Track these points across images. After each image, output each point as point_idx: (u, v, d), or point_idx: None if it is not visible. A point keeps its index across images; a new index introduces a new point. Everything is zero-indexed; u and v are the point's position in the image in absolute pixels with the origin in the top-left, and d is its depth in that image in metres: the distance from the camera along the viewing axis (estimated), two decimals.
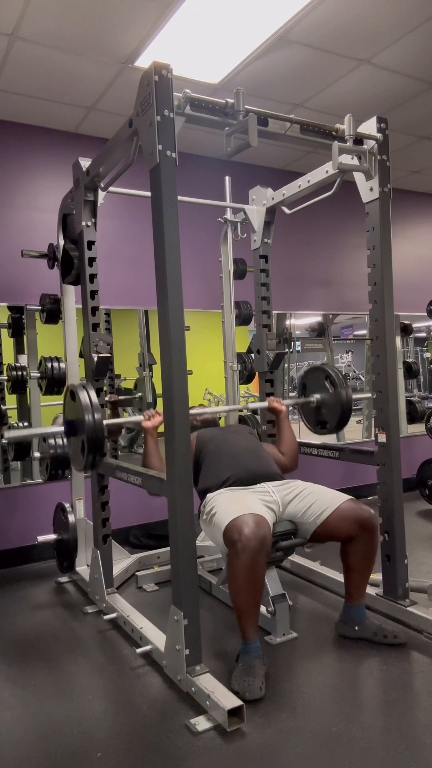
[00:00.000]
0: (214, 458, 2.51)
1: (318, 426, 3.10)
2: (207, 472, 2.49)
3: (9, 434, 2.71)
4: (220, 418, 3.14)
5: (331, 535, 2.29)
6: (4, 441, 2.69)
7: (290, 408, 3.12)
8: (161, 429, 2.21)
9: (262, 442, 3.04)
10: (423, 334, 5.88)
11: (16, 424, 3.23)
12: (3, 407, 3.54)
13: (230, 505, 2.19)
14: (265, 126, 2.27)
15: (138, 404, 4.30)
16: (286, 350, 4.59)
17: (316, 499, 2.33)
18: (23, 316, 3.60)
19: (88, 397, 2.23)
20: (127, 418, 2.55)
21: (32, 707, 2.00)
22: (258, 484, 2.43)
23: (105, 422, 2.29)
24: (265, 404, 3.00)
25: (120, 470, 2.49)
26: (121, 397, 2.61)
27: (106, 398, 2.75)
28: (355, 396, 2.96)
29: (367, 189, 2.49)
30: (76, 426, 2.31)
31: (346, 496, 2.33)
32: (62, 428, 2.42)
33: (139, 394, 4.17)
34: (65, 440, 2.48)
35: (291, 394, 5.37)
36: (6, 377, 3.48)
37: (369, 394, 2.76)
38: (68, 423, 2.36)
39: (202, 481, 2.49)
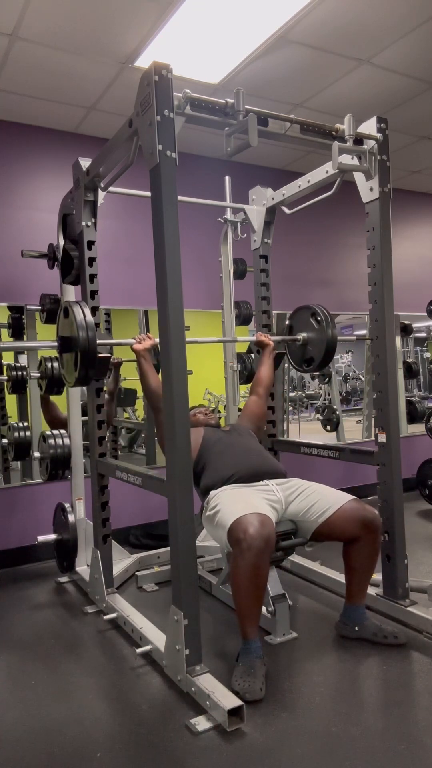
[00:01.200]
0: (218, 457, 2.51)
1: (304, 364, 3.10)
2: (211, 470, 2.49)
3: (3, 344, 2.72)
4: (220, 418, 3.14)
5: (333, 535, 2.29)
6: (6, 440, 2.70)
7: (279, 347, 3.16)
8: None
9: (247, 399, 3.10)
10: (423, 334, 5.88)
11: (16, 424, 3.23)
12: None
13: (234, 503, 2.19)
14: (265, 126, 2.27)
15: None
16: (286, 350, 4.59)
17: (319, 499, 2.33)
18: (23, 316, 3.60)
19: (82, 313, 2.30)
20: (119, 339, 2.59)
21: (32, 707, 2.00)
22: (261, 482, 2.43)
23: (98, 341, 2.33)
24: (254, 338, 3.11)
25: (120, 470, 2.50)
26: (116, 341, 2.64)
27: (111, 359, 2.80)
28: (340, 338, 2.96)
29: (367, 189, 2.49)
30: (69, 341, 2.36)
31: (349, 496, 2.33)
32: (55, 343, 2.48)
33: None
34: (59, 357, 2.53)
35: (291, 394, 5.36)
36: (6, 377, 3.47)
37: (355, 336, 2.73)
38: (62, 339, 2.42)
39: (205, 479, 2.49)
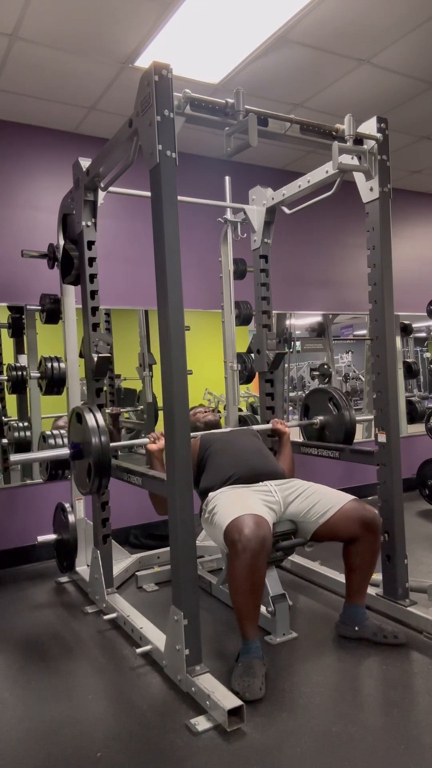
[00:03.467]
0: (217, 458, 2.51)
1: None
2: (210, 471, 2.49)
3: (14, 458, 2.69)
4: (220, 418, 3.14)
5: (333, 535, 2.29)
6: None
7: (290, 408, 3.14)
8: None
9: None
10: (423, 334, 5.88)
11: (16, 424, 3.22)
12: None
13: (231, 504, 2.19)
14: (265, 126, 2.27)
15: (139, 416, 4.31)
16: (286, 350, 4.59)
17: (319, 499, 2.33)
18: (23, 316, 3.60)
19: (94, 419, 2.20)
20: (132, 441, 2.55)
21: (32, 707, 2.00)
22: (260, 483, 2.43)
23: (111, 445, 2.28)
24: (269, 426, 3.01)
25: (120, 470, 2.50)
26: (130, 442, 2.60)
27: (108, 410, 2.73)
28: (358, 418, 2.96)
29: (367, 189, 2.49)
30: (82, 449, 2.28)
31: (349, 496, 2.33)
32: (68, 452, 2.40)
33: (141, 406, 4.20)
34: (71, 464, 2.44)
35: (291, 394, 5.36)
36: (6, 377, 3.47)
37: (371, 417, 2.75)
38: (74, 446, 2.34)
39: (204, 481, 2.49)
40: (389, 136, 2.46)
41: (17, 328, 3.61)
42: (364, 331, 5.31)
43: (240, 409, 3.72)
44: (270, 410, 3.17)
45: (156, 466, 2.53)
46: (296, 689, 2.00)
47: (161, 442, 2.53)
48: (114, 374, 4.18)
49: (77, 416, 2.30)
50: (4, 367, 3.54)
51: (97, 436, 2.16)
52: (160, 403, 4.03)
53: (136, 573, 3.15)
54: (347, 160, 2.46)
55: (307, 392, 3.08)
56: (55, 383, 3.07)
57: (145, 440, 2.61)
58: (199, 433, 2.72)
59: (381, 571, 2.51)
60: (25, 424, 3.26)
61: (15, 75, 3.11)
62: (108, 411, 2.74)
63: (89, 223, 2.68)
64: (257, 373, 3.42)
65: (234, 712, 1.77)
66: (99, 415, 2.23)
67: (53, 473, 2.96)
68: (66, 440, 3.01)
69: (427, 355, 6.03)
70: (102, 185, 2.63)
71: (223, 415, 3.76)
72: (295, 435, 3.03)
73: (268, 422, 3.05)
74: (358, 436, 5.19)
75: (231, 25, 2.77)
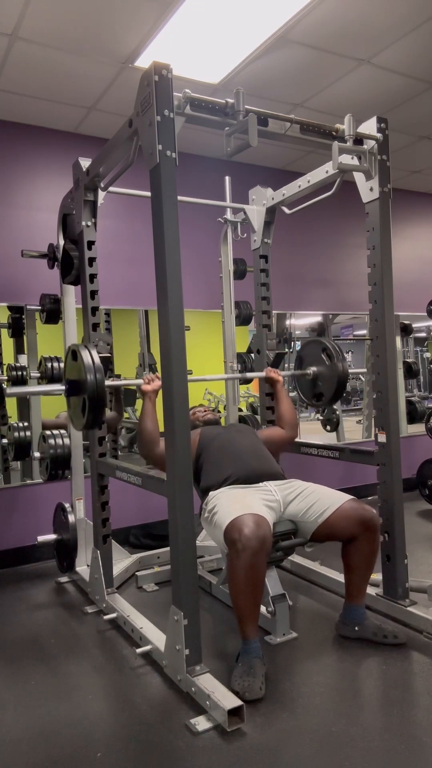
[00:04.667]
0: (216, 457, 2.51)
1: (314, 399, 3.10)
2: (209, 470, 2.49)
3: (10, 390, 2.71)
4: (220, 418, 3.14)
5: (332, 535, 2.29)
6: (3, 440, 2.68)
7: (288, 384, 3.15)
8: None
9: (264, 426, 3.07)
10: (423, 334, 5.88)
11: (16, 425, 3.22)
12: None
13: (231, 504, 2.19)
14: (265, 126, 2.27)
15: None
16: (286, 350, 4.59)
17: (318, 499, 2.33)
18: (23, 316, 3.60)
19: (90, 356, 2.26)
20: (127, 382, 2.56)
21: (32, 707, 2.00)
22: (260, 483, 2.43)
23: (106, 383, 2.32)
24: (263, 374, 3.06)
25: (120, 470, 2.50)
26: (125, 382, 2.61)
27: (108, 381, 2.78)
28: (351, 370, 2.95)
29: (367, 189, 2.49)
30: (77, 385, 2.34)
31: (347, 496, 2.33)
32: (64, 387, 2.46)
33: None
34: (66, 400, 2.50)
35: (291, 394, 5.36)
36: (6, 377, 3.47)
37: (364, 370, 2.74)
38: (69, 382, 2.40)
39: (204, 480, 2.49)
40: (389, 136, 2.46)
41: (17, 328, 3.61)
42: (364, 331, 5.31)
43: (240, 409, 3.72)
44: (270, 410, 3.17)
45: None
46: (296, 689, 2.00)
47: (156, 383, 2.55)
48: (114, 374, 4.18)
49: (73, 354, 2.35)
50: (4, 367, 3.54)
51: (92, 373, 2.22)
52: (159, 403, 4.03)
53: (136, 573, 3.15)
54: (347, 160, 2.46)
55: (301, 344, 3.07)
56: (55, 383, 3.07)
57: (140, 381, 2.61)
58: (198, 430, 2.71)
59: (381, 571, 2.51)
60: (25, 424, 3.25)
61: (15, 75, 3.11)
62: (110, 382, 2.76)
63: (89, 223, 2.68)
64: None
65: (234, 712, 1.77)
66: (94, 353, 2.29)
67: (53, 473, 2.96)
68: (66, 440, 3.02)
69: (427, 355, 6.03)
70: (102, 185, 2.63)
71: (223, 415, 3.76)
72: (294, 412, 3.00)
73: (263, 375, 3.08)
74: (358, 436, 5.21)
75: (231, 25, 2.77)
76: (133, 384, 2.54)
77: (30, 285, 3.54)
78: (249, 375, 3.19)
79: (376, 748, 1.68)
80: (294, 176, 3.00)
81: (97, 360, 2.26)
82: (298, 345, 4.87)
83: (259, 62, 3.09)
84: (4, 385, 2.99)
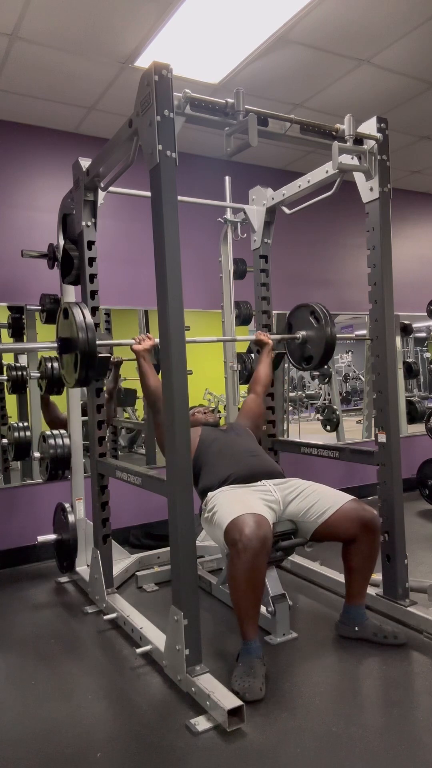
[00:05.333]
0: (215, 458, 2.51)
1: (303, 362, 3.10)
2: (208, 471, 2.49)
3: (3, 346, 2.74)
4: (220, 418, 3.14)
5: (332, 535, 2.29)
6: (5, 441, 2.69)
7: (279, 348, 3.17)
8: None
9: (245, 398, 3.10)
10: (423, 334, 5.88)
11: (16, 425, 3.22)
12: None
13: (231, 504, 2.19)
14: (265, 126, 2.26)
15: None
16: (286, 350, 4.59)
17: (319, 499, 2.33)
18: (23, 316, 3.60)
19: (81, 314, 2.31)
20: (119, 340, 2.59)
21: (32, 707, 2.00)
22: (259, 482, 2.43)
23: (98, 342, 2.34)
24: (253, 337, 3.11)
25: (120, 470, 2.50)
26: (116, 341, 2.64)
27: (111, 359, 2.81)
28: (340, 336, 2.99)
29: (367, 189, 2.49)
30: (69, 343, 2.37)
31: (348, 496, 2.33)
32: (55, 344, 2.49)
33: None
34: (59, 358, 2.53)
35: (291, 394, 5.36)
36: (6, 377, 3.47)
37: (353, 334, 2.74)
38: (62, 340, 2.42)
39: (203, 480, 2.49)
40: (389, 136, 2.46)
41: (17, 328, 3.61)
42: (364, 331, 5.31)
43: (240, 409, 3.71)
44: (270, 410, 3.17)
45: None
46: (296, 689, 2.00)
47: (147, 342, 2.57)
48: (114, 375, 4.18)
49: (65, 312, 2.39)
50: (4, 367, 3.54)
51: (83, 331, 2.27)
52: None
53: (136, 573, 3.14)
54: (347, 160, 2.46)
55: (291, 310, 3.10)
56: (55, 383, 3.07)
57: (131, 341, 2.60)
58: (200, 427, 2.72)
59: (381, 571, 2.51)
60: (25, 424, 3.26)
61: (15, 75, 3.11)
62: (112, 360, 2.76)
63: (89, 223, 2.68)
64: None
65: (234, 713, 1.77)
66: (86, 311, 2.34)
67: (53, 473, 2.96)
68: (66, 440, 3.02)
69: (427, 355, 6.03)
70: (102, 185, 2.63)
71: (223, 415, 3.76)
72: (298, 431, 3.02)
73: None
74: (358, 436, 5.21)
75: (231, 25, 2.77)
76: (124, 344, 2.57)
77: (30, 285, 3.54)
78: (239, 338, 3.40)
79: (376, 748, 1.68)
80: (294, 176, 3.00)
81: (89, 318, 2.32)
82: None
83: (259, 62, 3.09)
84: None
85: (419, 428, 4.98)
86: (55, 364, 3.08)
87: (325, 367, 4.97)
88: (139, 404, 4.43)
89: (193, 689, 1.94)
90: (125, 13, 2.65)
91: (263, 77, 3.24)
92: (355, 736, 1.73)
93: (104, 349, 2.63)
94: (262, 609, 2.37)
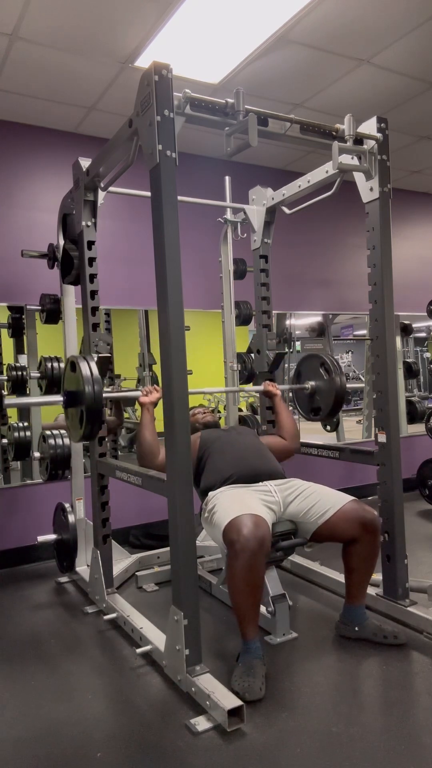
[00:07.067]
0: (217, 457, 2.51)
1: (311, 413, 3.10)
2: (210, 470, 2.49)
3: (9, 401, 2.72)
4: (220, 418, 3.14)
5: (333, 536, 2.29)
6: (3, 440, 2.69)
7: (288, 395, 3.15)
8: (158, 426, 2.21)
9: (265, 433, 3.07)
10: (423, 334, 5.88)
11: (16, 425, 3.22)
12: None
13: (230, 504, 2.19)
14: (265, 126, 2.27)
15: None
16: (286, 350, 4.59)
17: (319, 499, 2.33)
18: (23, 316, 3.60)
19: (88, 368, 2.27)
20: (125, 393, 2.58)
21: (32, 707, 2.00)
22: (260, 483, 2.43)
23: (104, 395, 2.32)
24: (261, 388, 3.05)
25: (120, 470, 2.50)
26: (123, 393, 2.62)
27: (107, 390, 2.76)
28: (349, 385, 2.97)
29: (367, 189, 2.49)
30: (75, 396, 2.34)
31: (348, 497, 2.33)
32: (62, 398, 2.46)
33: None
34: (64, 411, 2.52)
35: (290, 394, 5.36)
36: (6, 377, 3.47)
37: (362, 384, 2.76)
38: (68, 393, 2.40)
39: (204, 480, 2.49)
40: (389, 136, 2.46)
41: (17, 328, 3.61)
42: (364, 331, 5.30)
43: (240, 409, 3.72)
44: (270, 410, 3.17)
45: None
46: (296, 689, 2.00)
47: (154, 395, 2.55)
48: (114, 374, 4.18)
49: (71, 365, 2.36)
50: (4, 367, 3.53)
51: (90, 385, 2.23)
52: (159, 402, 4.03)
53: (136, 573, 3.15)
54: (347, 160, 2.46)
55: (300, 358, 3.08)
56: (55, 383, 3.07)
57: (138, 393, 2.61)
58: (198, 434, 2.71)
59: (381, 571, 2.51)
60: (25, 424, 3.25)
61: (15, 75, 3.11)
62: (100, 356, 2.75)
63: (89, 223, 2.68)
64: (257, 373, 3.42)
65: (234, 713, 1.77)
66: (93, 365, 2.30)
67: (53, 473, 2.96)
68: (66, 440, 3.02)
69: (427, 355, 6.03)
70: (102, 185, 2.63)
71: (223, 415, 3.76)
72: (294, 423, 3.02)
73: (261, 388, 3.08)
74: (358, 436, 5.21)
75: (231, 25, 2.77)
76: (131, 396, 2.55)
77: (30, 285, 3.54)
78: (247, 388, 3.24)
79: (376, 748, 1.68)
80: (294, 176, 3.00)
81: (95, 371, 2.26)
82: (298, 345, 4.88)
83: (259, 62, 3.09)
84: (4, 392, 3.00)
85: (419, 428, 4.98)
86: (55, 364, 3.09)
87: None
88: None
89: (193, 689, 1.94)
90: (125, 12, 2.65)
91: (263, 77, 3.24)
92: (355, 736, 1.73)
93: (104, 348, 2.64)
94: (262, 609, 2.37)
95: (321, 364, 2.97)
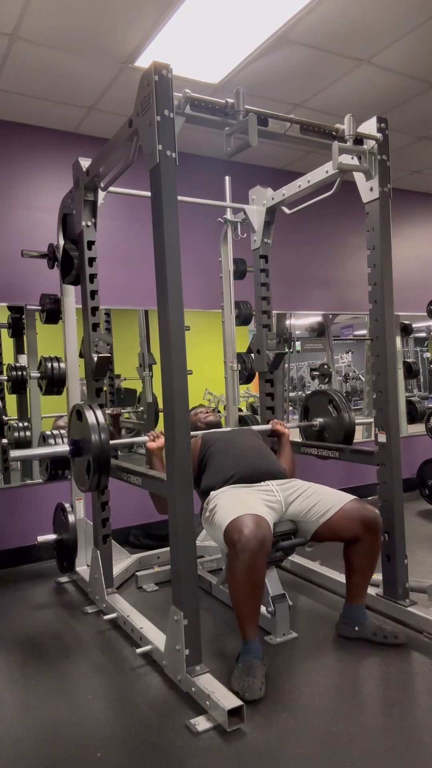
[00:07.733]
0: (219, 457, 2.51)
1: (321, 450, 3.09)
2: (212, 470, 2.49)
3: (15, 453, 2.70)
4: (221, 417, 3.14)
5: (334, 535, 2.29)
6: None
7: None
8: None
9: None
10: (423, 334, 5.88)
11: (16, 424, 3.23)
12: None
13: (231, 504, 2.19)
14: (265, 126, 2.27)
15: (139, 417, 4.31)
16: (286, 350, 4.59)
17: (320, 499, 2.33)
18: (23, 316, 3.60)
19: (94, 416, 2.21)
20: (132, 439, 2.57)
21: (32, 707, 2.00)
22: (262, 482, 2.43)
23: (112, 442, 2.28)
24: (268, 427, 3.01)
25: (120, 470, 2.50)
26: (129, 440, 2.62)
27: (108, 411, 2.73)
28: (357, 420, 2.97)
29: (367, 189, 2.49)
30: (82, 446, 2.29)
31: (350, 496, 2.33)
32: (68, 448, 2.42)
33: (141, 408, 4.21)
34: (71, 461, 2.47)
35: (291, 394, 5.36)
36: (6, 377, 3.47)
37: (371, 420, 2.76)
38: (74, 443, 2.35)
39: (206, 480, 2.49)
40: (389, 136, 2.46)
41: (17, 328, 3.61)
42: (364, 331, 5.31)
43: (240, 409, 3.72)
44: (270, 410, 3.17)
45: (156, 465, 2.54)
46: (296, 689, 2.00)
47: (161, 441, 2.54)
48: (114, 374, 4.18)
49: (77, 413, 2.31)
50: (4, 367, 3.54)
51: (96, 434, 2.17)
52: (160, 404, 4.04)
53: (136, 573, 3.15)
54: (347, 160, 2.46)
55: (307, 394, 3.06)
56: (55, 383, 3.07)
57: (145, 438, 2.62)
58: (200, 432, 2.72)
59: (381, 571, 2.51)
60: (25, 424, 3.26)
61: (15, 75, 3.11)
62: (108, 411, 2.73)
63: (89, 223, 2.68)
64: (257, 373, 3.42)
65: (234, 712, 1.77)
66: (99, 413, 2.24)
67: (53, 473, 2.96)
68: (66, 440, 3.02)
69: (427, 355, 6.03)
70: (102, 185, 2.63)
71: (223, 415, 3.76)
72: (295, 435, 3.03)
73: (268, 422, 3.05)
74: (358, 436, 5.20)
75: (231, 25, 2.77)
76: (139, 441, 2.52)
77: (30, 285, 3.54)
78: (255, 428, 3.01)
79: (376, 748, 1.68)
80: (294, 176, 3.00)
81: (101, 419, 2.21)
82: (298, 345, 4.88)
83: (259, 62, 3.09)
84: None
85: (419, 428, 4.97)
86: (55, 364, 3.09)
87: (325, 366, 4.98)
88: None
89: (193, 689, 1.94)
90: (125, 13, 2.65)
91: (263, 77, 3.24)
92: (355, 736, 1.73)
93: (104, 349, 2.64)
94: (262, 609, 2.37)
95: (329, 401, 2.96)
